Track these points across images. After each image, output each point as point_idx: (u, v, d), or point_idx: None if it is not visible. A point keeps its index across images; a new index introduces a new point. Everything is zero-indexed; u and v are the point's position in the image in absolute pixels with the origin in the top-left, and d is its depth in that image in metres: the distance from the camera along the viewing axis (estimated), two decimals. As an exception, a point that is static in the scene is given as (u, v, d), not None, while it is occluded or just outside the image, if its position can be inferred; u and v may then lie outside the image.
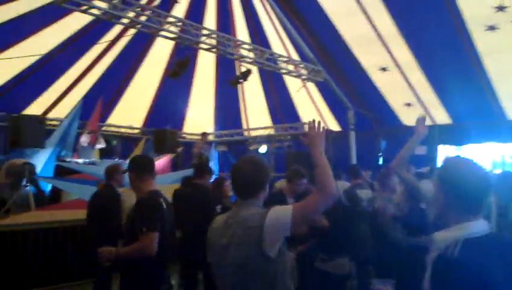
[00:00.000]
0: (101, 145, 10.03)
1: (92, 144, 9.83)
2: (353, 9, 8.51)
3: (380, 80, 10.10)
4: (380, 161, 11.14)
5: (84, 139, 9.74)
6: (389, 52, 9.16)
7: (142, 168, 3.15)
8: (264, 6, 10.00)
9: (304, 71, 9.75)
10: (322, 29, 9.75)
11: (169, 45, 10.38)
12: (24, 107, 10.00)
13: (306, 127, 12.35)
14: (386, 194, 4.44)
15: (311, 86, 11.38)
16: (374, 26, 8.73)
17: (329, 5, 8.85)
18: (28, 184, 7.95)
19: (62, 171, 8.60)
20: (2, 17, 8.17)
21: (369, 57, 9.63)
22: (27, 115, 8.83)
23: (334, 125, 12.30)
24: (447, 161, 1.85)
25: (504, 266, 1.57)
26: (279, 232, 2.06)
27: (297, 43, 9.78)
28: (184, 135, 13.88)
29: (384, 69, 9.64)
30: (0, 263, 5.65)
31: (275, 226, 2.04)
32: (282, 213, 2.09)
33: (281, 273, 2.09)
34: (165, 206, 3.00)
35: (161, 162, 10.45)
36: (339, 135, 11.80)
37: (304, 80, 10.23)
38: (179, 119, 13.18)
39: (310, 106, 12.26)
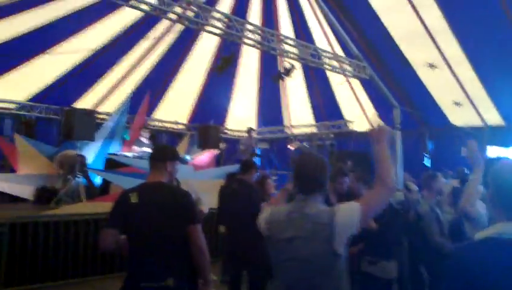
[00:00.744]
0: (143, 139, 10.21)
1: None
2: (401, 3, 8.30)
3: (427, 77, 9.79)
4: (426, 162, 10.82)
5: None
6: (438, 47, 8.86)
7: None
8: (309, 1, 9.93)
9: (348, 68, 9.60)
10: (368, 25, 9.58)
11: (214, 40, 10.54)
12: (76, 101, 10.49)
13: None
14: (431, 197, 4.33)
15: (355, 83, 11.21)
16: (422, 21, 8.47)
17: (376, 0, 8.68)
18: (79, 175, 8.32)
19: (111, 164, 8.90)
20: (55, 14, 8.58)
21: (416, 53, 9.36)
22: (79, 109, 9.18)
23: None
24: (497, 163, 1.82)
25: None
26: (348, 229, 2.10)
27: (343, 39, 9.63)
28: (226, 131, 14.06)
29: (432, 66, 9.34)
30: (53, 252, 5.91)
31: (345, 224, 2.09)
32: (351, 210, 2.14)
33: (345, 269, 2.16)
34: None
35: (205, 157, 10.62)
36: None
37: (348, 76, 10.07)
38: (222, 115, 13.35)
39: (354, 103, 12.07)
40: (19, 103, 10.29)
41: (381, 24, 9.04)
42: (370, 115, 11.68)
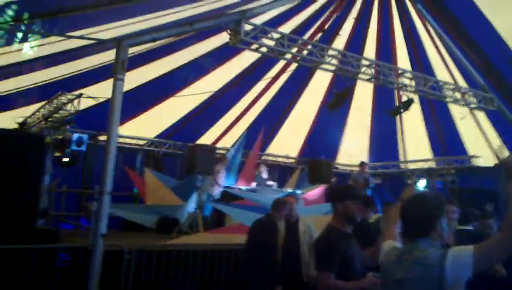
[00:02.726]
0: (265, 174, 10.56)
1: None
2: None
3: None
4: None
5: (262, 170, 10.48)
6: None
7: None
8: (427, 31, 9.55)
9: (473, 99, 8.94)
10: (493, 52, 8.88)
11: (328, 76, 10.64)
12: (198, 138, 11.30)
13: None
14: None
15: (480, 115, 10.36)
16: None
17: (503, 24, 8.01)
18: (196, 207, 8.83)
19: (226, 197, 9.31)
20: (180, 61, 9.44)
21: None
22: (200, 145, 9.84)
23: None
24: None
25: None
26: (460, 272, 2.00)
27: (465, 69, 9.05)
28: (337, 166, 13.87)
29: None
30: (172, 282, 6.17)
31: (456, 266, 1.99)
32: (463, 253, 2.02)
33: None
34: None
35: (315, 192, 10.55)
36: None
37: (473, 108, 9.36)
38: (333, 150, 13.25)
39: (479, 136, 11.14)
40: (149, 140, 11.40)
41: (509, 49, 8.30)
42: (495, 146, 10.68)
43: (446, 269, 1.99)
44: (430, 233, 2.17)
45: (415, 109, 11.07)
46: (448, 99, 8.83)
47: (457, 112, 10.47)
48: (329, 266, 2.76)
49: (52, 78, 8.66)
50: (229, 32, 6.37)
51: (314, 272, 3.19)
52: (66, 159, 8.53)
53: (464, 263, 1.99)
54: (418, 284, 2.06)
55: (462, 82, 9.83)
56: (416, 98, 9.55)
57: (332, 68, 7.66)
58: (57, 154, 8.67)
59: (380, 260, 2.36)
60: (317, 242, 3.04)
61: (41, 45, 7.59)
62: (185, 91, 10.07)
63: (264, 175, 10.44)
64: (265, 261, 4.60)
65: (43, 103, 8.68)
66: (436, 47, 9.85)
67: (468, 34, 8.91)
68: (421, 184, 12.40)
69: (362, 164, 11.11)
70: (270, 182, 10.27)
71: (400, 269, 2.16)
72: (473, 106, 9.02)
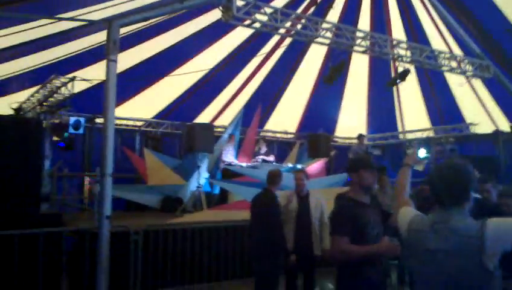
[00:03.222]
0: (263, 150, 10.59)
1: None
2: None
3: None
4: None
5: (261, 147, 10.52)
6: None
7: None
8: (421, 0, 9.46)
9: (469, 67, 8.91)
10: (488, 19, 8.82)
11: (323, 50, 10.57)
12: (195, 117, 11.29)
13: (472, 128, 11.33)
14: None
15: (476, 82, 10.35)
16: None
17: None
18: (200, 186, 8.91)
19: (227, 174, 9.38)
20: (175, 39, 9.35)
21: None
22: (199, 123, 9.84)
23: (505, 126, 10.97)
24: None
25: None
26: (500, 244, 1.95)
27: (460, 37, 8.98)
28: (336, 139, 13.92)
29: None
30: (180, 258, 6.30)
31: (496, 238, 1.94)
32: (504, 224, 2.00)
33: (498, 287, 1.99)
34: None
35: (315, 166, 10.64)
36: (511, 136, 10.48)
37: (469, 76, 9.34)
38: (331, 123, 13.28)
39: (476, 104, 11.17)
40: (146, 120, 11.39)
41: (504, 17, 8.24)
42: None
43: (486, 240, 1.92)
44: (464, 202, 2.10)
45: (412, 80, 11.08)
46: (444, 68, 8.80)
47: (455, 80, 10.46)
48: (341, 231, 2.80)
49: (45, 62, 8.59)
50: (221, 8, 6.28)
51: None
52: (64, 143, 8.52)
53: (505, 235, 1.95)
54: (455, 255, 1.99)
55: (457, 51, 9.77)
56: (412, 68, 9.53)
57: (327, 41, 7.59)
58: (55, 138, 8.66)
59: (406, 229, 2.23)
60: (332, 210, 3.13)
61: (31, 28, 7.49)
62: (180, 70, 10.00)
63: (263, 150, 10.48)
64: (269, 234, 4.70)
65: (37, 87, 8.62)
66: (431, 16, 9.77)
67: (461, 2, 8.83)
68: (421, 153, 12.45)
69: (360, 136, 11.14)
70: (270, 157, 10.31)
71: (433, 238, 2.06)
72: (469, 73, 8.99)
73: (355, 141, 11.88)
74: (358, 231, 2.80)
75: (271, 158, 10.29)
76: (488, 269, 1.92)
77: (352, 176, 3.03)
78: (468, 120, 11.66)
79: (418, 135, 12.95)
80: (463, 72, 8.94)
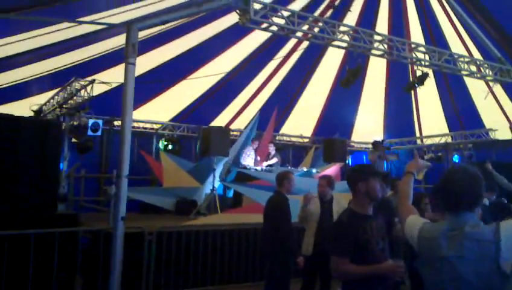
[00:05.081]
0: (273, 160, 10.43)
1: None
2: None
3: None
4: None
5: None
6: None
7: None
8: (440, 3, 9.33)
9: (489, 71, 8.75)
10: (509, 23, 8.65)
11: (340, 54, 10.52)
12: (212, 120, 11.35)
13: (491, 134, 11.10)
14: None
15: (496, 87, 10.15)
16: None
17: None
18: (215, 189, 8.92)
19: (241, 177, 9.38)
20: (192, 42, 9.43)
21: None
22: (214, 127, 9.88)
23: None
24: None
25: None
26: None
27: (481, 41, 8.83)
28: (352, 144, 13.82)
29: None
30: (193, 260, 6.33)
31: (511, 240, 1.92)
32: None
33: None
34: None
35: (330, 170, 10.55)
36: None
37: (489, 81, 9.17)
38: (347, 128, 13.18)
39: (496, 110, 10.95)
40: (163, 123, 11.48)
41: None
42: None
43: (502, 243, 1.90)
44: (475, 207, 2.08)
45: (430, 84, 10.92)
46: (463, 72, 8.65)
47: (474, 85, 10.29)
48: (340, 251, 2.71)
49: (65, 65, 8.75)
50: (238, 11, 6.31)
51: None
52: (82, 146, 8.65)
53: None
54: (470, 261, 1.95)
55: (477, 55, 9.61)
56: (431, 72, 9.41)
57: (344, 45, 7.54)
58: (74, 140, 8.79)
59: (416, 237, 2.18)
60: (333, 227, 3.04)
61: (52, 32, 7.64)
62: (197, 73, 10.07)
63: (272, 152, 10.32)
64: (277, 235, 4.72)
65: (57, 90, 8.78)
66: (450, 20, 9.63)
67: (483, 5, 8.69)
68: (438, 159, 12.26)
69: (376, 144, 10.90)
70: (272, 160, 10.09)
71: (447, 245, 2.02)
72: (489, 78, 8.82)
73: (370, 146, 11.71)
74: (361, 247, 2.68)
75: (273, 161, 10.05)
76: (506, 272, 1.89)
77: (360, 186, 2.84)
78: (487, 125, 11.44)
79: (436, 140, 12.75)
80: (483, 77, 8.78)
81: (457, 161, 12.08)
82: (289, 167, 10.46)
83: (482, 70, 8.65)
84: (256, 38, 9.70)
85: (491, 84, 9.59)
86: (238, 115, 11.76)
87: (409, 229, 2.28)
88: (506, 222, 2.00)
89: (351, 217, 2.83)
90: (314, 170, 9.92)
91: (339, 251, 2.73)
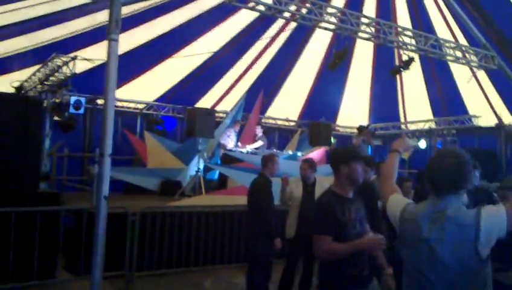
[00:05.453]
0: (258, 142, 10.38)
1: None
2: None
3: None
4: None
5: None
6: None
7: None
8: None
9: (474, 58, 8.81)
10: (496, 10, 8.70)
11: (327, 37, 10.46)
12: (197, 101, 11.23)
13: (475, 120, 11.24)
14: None
15: (481, 74, 10.26)
16: None
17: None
18: (200, 170, 8.89)
19: (227, 159, 9.35)
20: (176, 21, 9.25)
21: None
22: (200, 108, 9.78)
23: (509, 118, 10.90)
24: None
25: None
26: (494, 233, 1.95)
27: (467, 27, 8.88)
28: (337, 128, 13.87)
29: None
30: (177, 241, 6.37)
31: (491, 227, 1.95)
32: (496, 213, 1.99)
33: (490, 276, 2.00)
34: None
35: (316, 154, 10.59)
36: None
37: (473, 67, 9.24)
38: (333, 112, 13.20)
39: (480, 96, 11.08)
40: (148, 104, 11.34)
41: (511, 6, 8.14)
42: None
43: (481, 228, 1.93)
44: (461, 190, 2.09)
45: (416, 69, 10.97)
46: (449, 58, 8.70)
47: (459, 71, 10.36)
48: (324, 230, 2.70)
49: (47, 41, 8.52)
50: (225, -11, 6.21)
51: None
52: (65, 123, 8.49)
53: (498, 223, 1.95)
54: (450, 244, 1.97)
55: (463, 41, 9.66)
56: (416, 57, 9.44)
57: (332, 27, 7.50)
58: (56, 118, 8.62)
59: (398, 217, 2.20)
60: (315, 207, 2.99)
61: (33, 5, 7.41)
62: (182, 53, 9.92)
63: (259, 134, 10.29)
64: (258, 217, 4.76)
65: (39, 66, 8.56)
66: (437, 4, 9.64)
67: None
68: (422, 145, 12.44)
69: (362, 128, 10.94)
70: (256, 143, 10.06)
71: (428, 227, 2.04)
72: (473, 64, 8.90)
73: (355, 130, 11.78)
74: (338, 229, 2.69)
75: (258, 144, 9.97)
76: (482, 257, 1.94)
77: (342, 168, 2.81)
78: (471, 112, 11.58)
79: (420, 125, 12.88)
80: (468, 63, 8.85)
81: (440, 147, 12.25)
82: (274, 150, 10.44)
83: (467, 56, 8.71)
84: (242, 19, 9.57)
85: (475, 70, 9.66)
86: (224, 96, 11.67)
87: (392, 208, 2.28)
88: (488, 207, 2.02)
89: (330, 197, 2.82)
90: (299, 153, 9.94)
91: (322, 229, 2.72)
